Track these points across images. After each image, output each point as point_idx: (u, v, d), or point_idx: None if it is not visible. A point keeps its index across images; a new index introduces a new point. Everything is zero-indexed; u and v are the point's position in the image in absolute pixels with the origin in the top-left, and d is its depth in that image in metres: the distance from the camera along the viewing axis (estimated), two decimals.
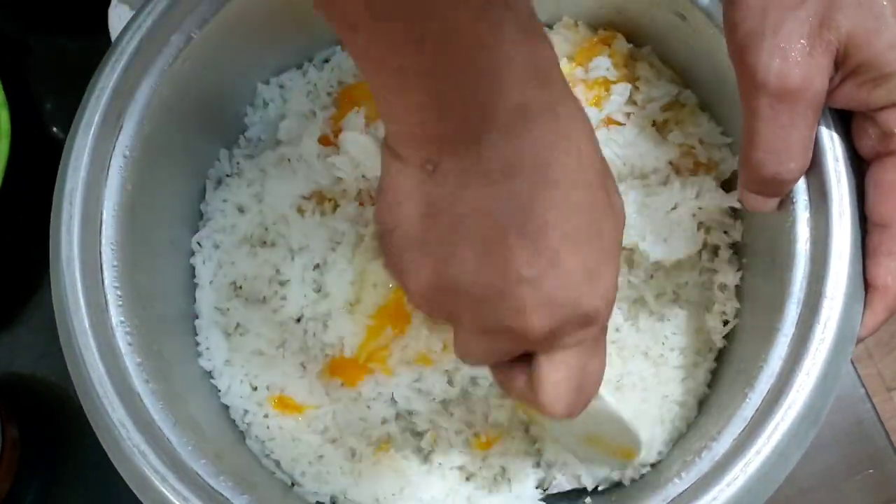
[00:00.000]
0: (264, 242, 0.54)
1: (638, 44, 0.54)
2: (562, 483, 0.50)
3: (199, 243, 0.54)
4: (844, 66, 0.39)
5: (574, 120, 0.31)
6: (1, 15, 0.71)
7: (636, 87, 0.52)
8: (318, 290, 0.53)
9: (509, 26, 0.28)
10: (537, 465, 0.51)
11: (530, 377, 0.34)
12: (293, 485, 0.51)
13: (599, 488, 0.50)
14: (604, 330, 0.34)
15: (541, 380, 0.34)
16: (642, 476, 0.49)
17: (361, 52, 0.30)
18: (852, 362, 0.61)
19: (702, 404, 0.50)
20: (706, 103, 0.52)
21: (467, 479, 0.51)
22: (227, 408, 0.52)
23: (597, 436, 0.46)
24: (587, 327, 0.33)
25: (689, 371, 0.50)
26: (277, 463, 0.51)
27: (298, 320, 0.52)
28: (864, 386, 0.61)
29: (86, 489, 0.61)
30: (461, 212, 0.30)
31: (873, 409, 0.61)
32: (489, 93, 0.29)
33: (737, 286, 0.51)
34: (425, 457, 0.52)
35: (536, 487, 0.50)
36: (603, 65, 0.52)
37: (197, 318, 0.53)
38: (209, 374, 0.53)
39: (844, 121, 0.43)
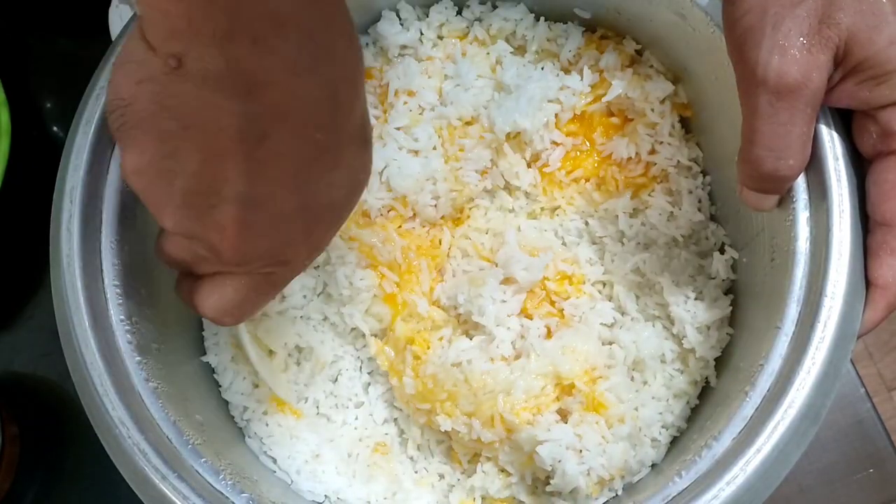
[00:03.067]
0: None
1: (638, 43, 0.54)
2: None
3: None
4: (844, 63, 0.39)
5: (332, 55, 0.30)
6: (1, 15, 0.71)
7: (637, 87, 0.53)
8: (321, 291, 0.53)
9: None
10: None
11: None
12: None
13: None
14: (295, 272, 0.34)
15: (204, 287, 0.34)
16: (640, 480, 0.49)
17: None
18: (852, 362, 0.61)
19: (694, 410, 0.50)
20: (704, 102, 0.52)
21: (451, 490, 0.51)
22: (226, 406, 0.52)
23: None
24: (278, 266, 0.33)
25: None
26: (275, 460, 0.51)
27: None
28: (864, 386, 0.61)
29: (86, 487, 0.61)
30: (194, 113, 0.29)
31: (873, 409, 0.61)
32: None
33: (734, 282, 0.51)
34: (416, 464, 0.52)
35: None
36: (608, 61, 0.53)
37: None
38: (210, 371, 0.53)
39: (844, 119, 0.43)
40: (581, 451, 0.47)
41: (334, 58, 0.30)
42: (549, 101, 0.53)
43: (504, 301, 0.50)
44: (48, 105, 0.70)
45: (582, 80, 0.53)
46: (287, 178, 0.30)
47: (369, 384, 0.54)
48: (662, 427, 0.49)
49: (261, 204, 0.31)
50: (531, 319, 0.51)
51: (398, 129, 0.53)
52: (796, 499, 0.59)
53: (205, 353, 0.53)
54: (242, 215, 0.31)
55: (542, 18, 0.55)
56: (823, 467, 0.60)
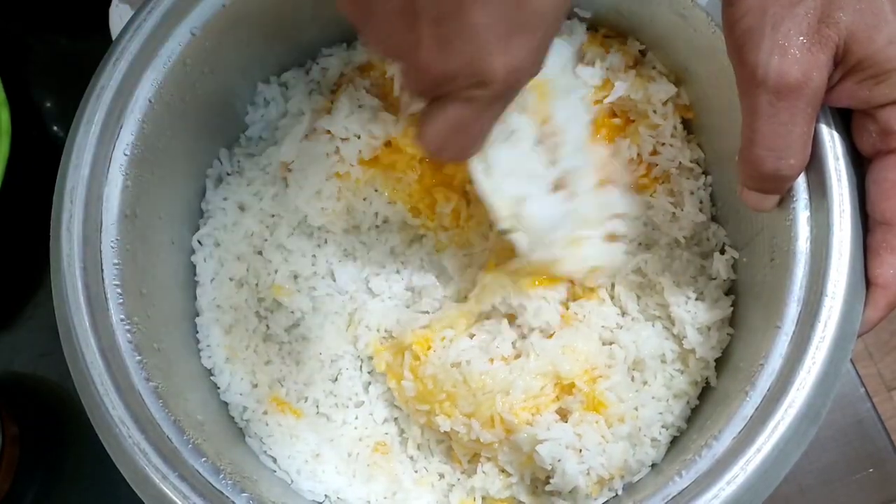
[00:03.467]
0: (265, 240, 0.54)
1: (641, 44, 0.54)
2: None
3: (199, 241, 0.54)
4: (844, 62, 0.39)
5: None
6: (1, 15, 0.71)
7: (640, 88, 0.53)
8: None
9: None
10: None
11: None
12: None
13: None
14: (499, 97, 0.34)
15: (423, 116, 0.35)
16: (639, 480, 0.49)
17: None
18: (852, 362, 0.61)
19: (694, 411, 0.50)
20: (704, 102, 0.52)
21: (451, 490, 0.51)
22: (227, 406, 0.52)
23: None
24: (479, 87, 0.33)
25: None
26: (275, 460, 0.51)
27: (298, 323, 0.53)
28: (863, 385, 0.61)
29: (86, 487, 0.61)
30: None
31: (873, 409, 0.61)
32: None
33: (735, 282, 0.51)
34: (416, 463, 0.52)
35: None
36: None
37: (198, 315, 0.53)
38: (209, 372, 0.53)
39: (844, 119, 0.43)
40: (581, 450, 0.47)
41: None
42: None
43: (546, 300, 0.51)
44: (48, 105, 0.70)
45: (595, 67, 0.53)
46: (475, 9, 0.31)
47: (369, 383, 0.54)
48: (662, 427, 0.49)
49: (451, 16, 0.31)
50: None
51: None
52: (796, 499, 0.59)
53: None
54: (434, 29, 0.31)
55: None
56: (823, 467, 0.60)
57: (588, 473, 0.47)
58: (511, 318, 0.51)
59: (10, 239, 0.66)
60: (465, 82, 0.33)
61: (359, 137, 0.52)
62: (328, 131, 0.53)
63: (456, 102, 0.34)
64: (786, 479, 0.40)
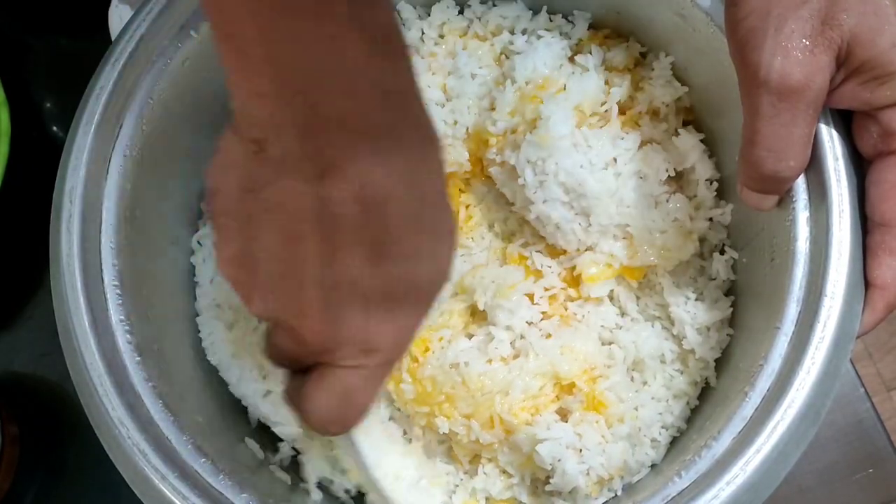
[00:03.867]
0: None
1: (642, 46, 0.54)
2: None
3: (199, 242, 0.54)
4: (847, 64, 0.39)
5: (409, 148, 0.30)
6: (1, 15, 0.71)
7: (640, 88, 0.53)
8: None
9: (357, 34, 0.27)
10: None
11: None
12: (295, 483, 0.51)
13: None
14: (387, 365, 0.33)
15: (306, 389, 0.33)
16: (639, 481, 0.49)
17: (213, 24, 0.29)
18: (852, 362, 0.61)
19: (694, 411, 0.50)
20: (705, 103, 0.52)
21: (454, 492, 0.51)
22: (227, 406, 0.52)
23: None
24: (367, 356, 0.32)
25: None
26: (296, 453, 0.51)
27: None
28: (863, 385, 0.61)
29: (85, 487, 0.61)
30: (274, 196, 0.30)
31: (873, 409, 0.61)
32: (324, 93, 0.28)
33: (734, 282, 0.51)
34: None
35: None
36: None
37: (198, 315, 0.53)
38: (210, 371, 0.53)
39: (844, 119, 0.43)
40: (581, 450, 0.47)
41: (412, 150, 0.30)
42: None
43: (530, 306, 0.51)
44: (48, 105, 0.70)
45: (593, 55, 0.53)
46: (365, 262, 0.30)
47: None
48: (662, 427, 0.49)
49: (340, 287, 0.30)
50: (550, 319, 0.51)
51: None
52: (796, 499, 0.59)
53: (205, 353, 0.53)
54: (322, 299, 0.31)
55: (543, 8, 0.55)
56: (823, 467, 0.60)
57: (588, 473, 0.47)
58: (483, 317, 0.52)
59: (10, 239, 0.66)
60: (352, 351, 0.32)
61: None
62: None
63: (341, 370, 0.33)
64: (786, 479, 0.40)
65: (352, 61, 0.28)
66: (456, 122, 0.53)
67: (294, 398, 0.35)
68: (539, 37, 0.53)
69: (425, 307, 0.33)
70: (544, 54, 0.51)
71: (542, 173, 0.48)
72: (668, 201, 0.50)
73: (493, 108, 0.52)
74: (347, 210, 0.29)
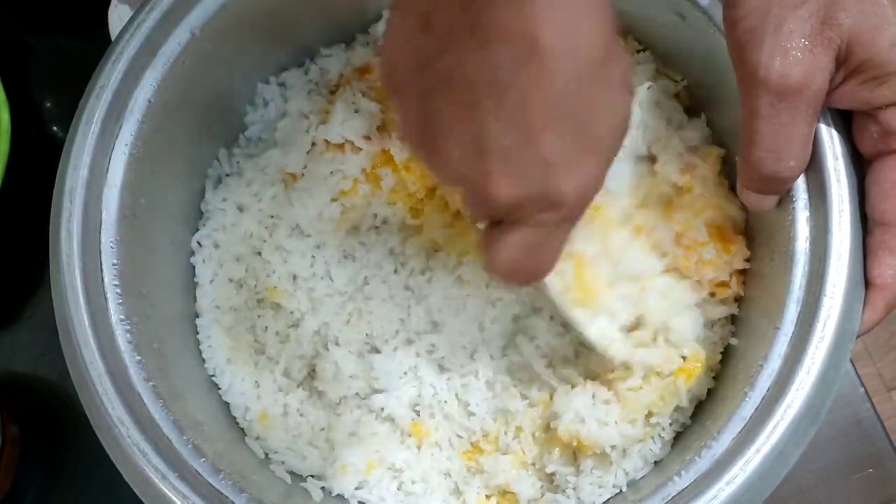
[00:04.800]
0: (264, 241, 0.54)
1: (640, 44, 0.54)
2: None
3: (199, 243, 0.54)
4: (846, 64, 0.39)
5: (578, 5, 0.31)
6: (1, 15, 0.71)
7: None
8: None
9: None
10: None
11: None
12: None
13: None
14: (568, 219, 0.34)
15: (490, 244, 0.35)
16: (643, 477, 0.49)
17: None
18: (851, 362, 0.61)
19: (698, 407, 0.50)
20: (705, 103, 0.52)
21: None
22: (227, 406, 0.52)
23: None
24: (549, 211, 0.33)
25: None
26: (283, 462, 0.51)
27: (297, 323, 0.52)
28: (863, 385, 0.61)
29: (85, 487, 0.61)
30: (445, 68, 0.31)
31: (872, 409, 0.61)
32: None
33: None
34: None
35: None
36: None
37: (198, 317, 0.53)
38: (210, 373, 0.53)
39: (844, 119, 0.43)
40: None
41: (575, 4, 0.31)
42: None
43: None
44: (48, 105, 0.70)
45: None
46: (539, 123, 0.31)
47: None
48: (668, 423, 0.49)
49: (518, 148, 0.31)
50: None
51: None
52: (796, 499, 0.59)
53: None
54: (502, 160, 0.32)
55: None
56: (823, 467, 0.60)
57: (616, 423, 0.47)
58: None
59: (10, 239, 0.66)
60: (536, 208, 0.33)
61: (361, 150, 0.52)
62: (326, 141, 0.53)
63: (526, 227, 0.34)
64: (785, 479, 0.41)
65: None
66: None
67: (486, 246, 0.36)
68: None
69: (605, 158, 0.33)
70: None
71: None
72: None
73: None
74: (516, 78, 0.30)
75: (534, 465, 0.50)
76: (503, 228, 0.34)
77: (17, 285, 0.66)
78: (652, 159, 0.50)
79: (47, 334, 0.60)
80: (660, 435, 0.49)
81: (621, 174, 0.49)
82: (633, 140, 0.50)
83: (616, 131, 0.33)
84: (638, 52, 0.54)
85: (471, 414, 0.51)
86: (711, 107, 0.52)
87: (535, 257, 0.35)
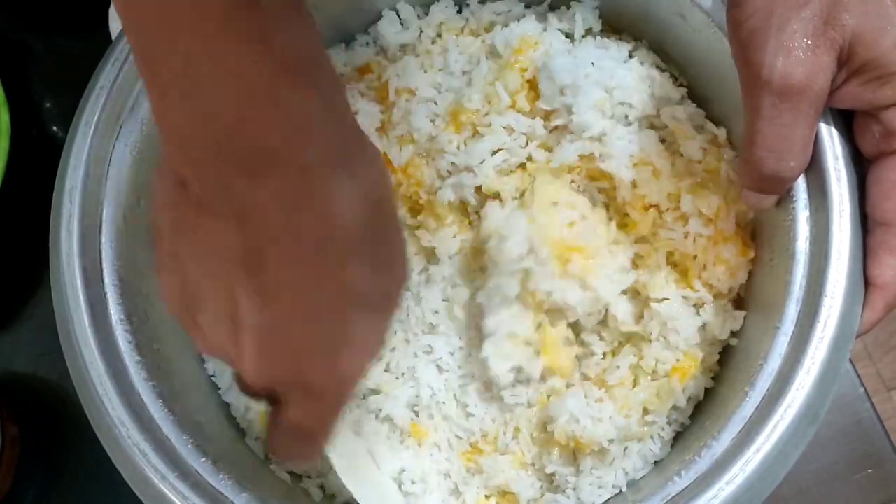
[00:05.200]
0: None
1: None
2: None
3: None
4: (849, 64, 0.39)
5: (327, 175, 0.28)
6: (1, 15, 0.71)
7: None
8: None
9: (263, 55, 0.26)
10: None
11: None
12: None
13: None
14: (337, 404, 0.33)
15: (269, 426, 0.34)
16: (643, 477, 0.49)
17: (136, 56, 0.29)
18: (851, 362, 0.61)
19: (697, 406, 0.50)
20: (705, 103, 0.52)
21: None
22: (227, 406, 0.52)
23: None
24: (314, 398, 0.32)
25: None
26: (279, 462, 0.51)
27: None
28: (863, 385, 0.61)
29: (85, 488, 0.61)
30: (200, 238, 0.29)
31: (872, 409, 0.61)
32: (237, 128, 0.27)
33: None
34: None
35: None
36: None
37: None
38: (210, 373, 0.53)
39: (845, 119, 0.43)
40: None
41: (332, 190, 0.29)
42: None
43: None
44: (48, 105, 0.70)
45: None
46: (295, 306, 0.29)
47: None
48: (667, 423, 0.49)
49: (273, 329, 0.30)
50: None
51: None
52: (795, 499, 0.59)
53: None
54: (255, 343, 0.30)
55: (545, 3, 0.55)
56: (823, 467, 0.60)
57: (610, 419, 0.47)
58: None
59: (10, 239, 0.66)
60: (297, 394, 0.32)
61: None
62: None
63: (294, 412, 0.33)
64: (785, 479, 0.41)
65: (262, 90, 0.27)
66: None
67: (269, 426, 0.35)
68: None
69: (368, 352, 0.32)
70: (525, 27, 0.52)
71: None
72: None
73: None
74: (270, 256, 0.28)
75: (533, 465, 0.50)
76: (273, 413, 0.33)
77: (17, 285, 0.66)
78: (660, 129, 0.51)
79: (47, 334, 0.60)
80: (659, 435, 0.49)
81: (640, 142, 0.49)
82: (642, 101, 0.50)
83: (379, 329, 0.32)
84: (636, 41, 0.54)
85: (469, 415, 0.51)
86: (711, 107, 0.52)
87: (307, 440, 0.34)
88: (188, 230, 0.30)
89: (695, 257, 0.48)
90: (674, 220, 0.49)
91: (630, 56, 0.52)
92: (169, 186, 0.30)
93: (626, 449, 0.48)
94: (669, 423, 0.49)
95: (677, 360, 0.48)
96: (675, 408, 0.49)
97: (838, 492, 0.60)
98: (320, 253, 0.29)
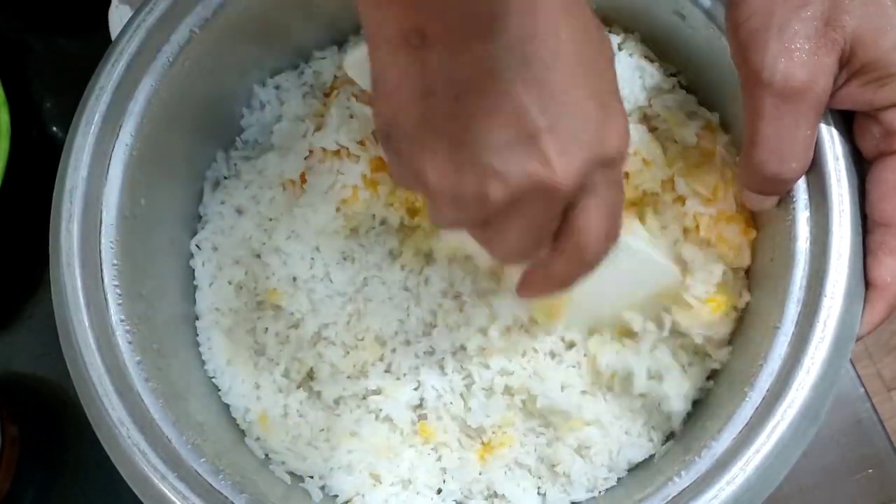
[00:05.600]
0: (263, 244, 0.54)
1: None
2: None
3: (197, 246, 0.54)
4: (849, 65, 0.39)
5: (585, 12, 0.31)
6: (1, 15, 0.71)
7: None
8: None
9: None
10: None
11: (558, 240, 0.34)
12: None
13: (600, 491, 0.50)
14: (621, 168, 0.34)
15: (579, 230, 0.33)
16: (643, 478, 0.49)
17: None
18: (851, 362, 0.61)
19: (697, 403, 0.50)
20: (705, 103, 0.52)
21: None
22: (227, 406, 0.52)
23: (630, 283, 0.46)
24: (611, 167, 0.32)
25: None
26: (281, 463, 0.51)
27: (297, 324, 0.52)
28: (863, 385, 0.61)
29: (85, 488, 0.61)
30: (460, 77, 0.29)
31: (872, 409, 0.61)
32: None
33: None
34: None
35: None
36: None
37: (197, 319, 0.53)
38: (210, 374, 0.53)
39: (845, 119, 0.43)
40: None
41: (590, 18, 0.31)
42: None
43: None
44: (48, 105, 0.70)
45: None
46: (567, 89, 0.30)
47: None
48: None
49: (562, 118, 0.31)
50: None
51: None
52: (796, 499, 0.59)
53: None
54: (556, 138, 0.30)
55: None
56: (823, 467, 0.60)
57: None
58: None
59: (10, 239, 0.66)
60: (599, 170, 0.32)
61: (359, 158, 0.51)
62: (324, 149, 0.52)
63: (598, 196, 0.33)
64: (785, 479, 0.41)
65: None
66: None
67: (563, 243, 0.34)
68: None
69: (619, 95, 0.33)
70: None
71: None
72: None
73: None
74: (531, 47, 0.29)
75: (533, 465, 0.50)
76: (580, 212, 0.33)
77: (17, 285, 0.66)
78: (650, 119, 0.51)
79: (47, 334, 0.60)
80: (653, 429, 0.49)
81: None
82: (633, 93, 0.50)
83: (615, 71, 0.33)
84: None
85: (471, 414, 0.51)
86: (710, 107, 0.52)
87: (616, 217, 0.34)
88: (443, 78, 0.29)
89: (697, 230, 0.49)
90: (672, 201, 0.49)
91: (619, 48, 0.52)
92: (399, 58, 0.29)
93: (622, 442, 0.49)
94: (669, 423, 0.49)
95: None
96: (667, 417, 0.49)
97: (838, 492, 0.60)
98: (577, 27, 0.31)
